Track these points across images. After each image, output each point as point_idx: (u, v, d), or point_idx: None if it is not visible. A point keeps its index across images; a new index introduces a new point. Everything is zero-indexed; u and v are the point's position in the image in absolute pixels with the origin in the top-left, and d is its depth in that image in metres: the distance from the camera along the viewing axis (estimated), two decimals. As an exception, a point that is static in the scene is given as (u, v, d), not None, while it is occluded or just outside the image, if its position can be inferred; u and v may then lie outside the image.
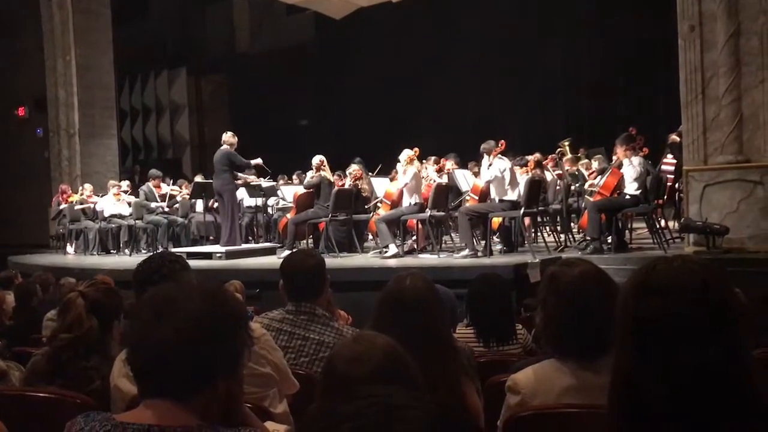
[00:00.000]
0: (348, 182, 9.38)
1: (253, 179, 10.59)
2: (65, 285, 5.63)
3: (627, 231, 8.21)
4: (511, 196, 7.72)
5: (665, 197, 8.33)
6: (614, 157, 7.89)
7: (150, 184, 11.11)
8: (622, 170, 7.51)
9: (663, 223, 8.27)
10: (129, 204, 11.30)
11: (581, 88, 14.50)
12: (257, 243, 10.85)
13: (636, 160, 7.43)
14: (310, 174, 9.34)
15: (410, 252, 8.54)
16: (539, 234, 9.07)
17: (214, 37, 18.99)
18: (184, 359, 1.23)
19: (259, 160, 9.38)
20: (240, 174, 9.73)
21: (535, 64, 14.40)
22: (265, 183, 10.95)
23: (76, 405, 2.13)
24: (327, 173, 9.17)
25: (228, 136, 9.26)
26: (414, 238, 8.87)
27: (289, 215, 9.58)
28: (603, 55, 14.11)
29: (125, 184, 12.09)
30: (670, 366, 1.11)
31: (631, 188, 7.44)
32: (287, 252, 8.28)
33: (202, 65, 18.97)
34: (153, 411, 1.25)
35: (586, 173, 9.38)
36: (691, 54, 7.28)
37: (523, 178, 8.13)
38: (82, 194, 11.98)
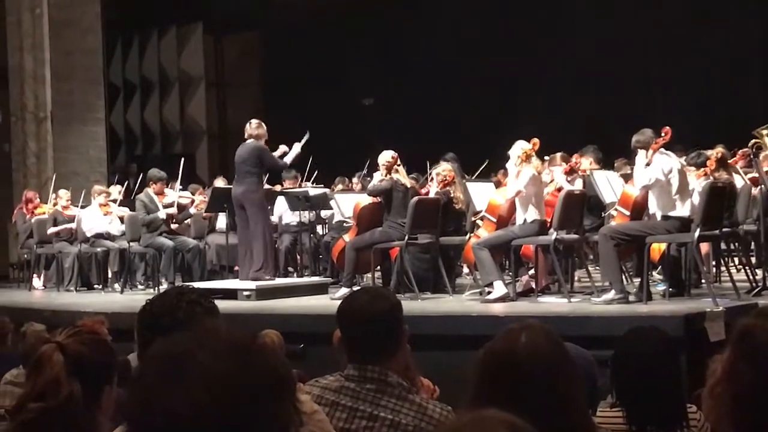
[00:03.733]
0: (434, 189, 9.41)
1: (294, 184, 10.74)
2: (29, 334, 5.83)
3: None
4: (681, 210, 7.60)
5: None
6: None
7: (150, 190, 11.33)
8: None
9: None
10: (121, 219, 11.58)
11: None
12: (301, 276, 10.98)
13: None
14: (377, 177, 9.41)
15: (526, 293, 8.51)
16: (724, 269, 8.92)
17: (241, -20, 19.44)
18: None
19: (283, 149, 9.62)
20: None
21: (714, 10, 14.11)
22: (312, 190, 11.10)
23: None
24: (402, 176, 9.22)
25: (253, 127, 9.45)
26: (532, 272, 8.82)
27: (347, 237, 9.67)
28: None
29: (116, 190, 12.44)
30: None
31: None
32: (345, 290, 8.37)
33: (224, 21, 19.40)
34: None
35: (796, 177, 9.16)
36: None
37: (699, 183, 7.99)
38: (55, 204, 12.33)
